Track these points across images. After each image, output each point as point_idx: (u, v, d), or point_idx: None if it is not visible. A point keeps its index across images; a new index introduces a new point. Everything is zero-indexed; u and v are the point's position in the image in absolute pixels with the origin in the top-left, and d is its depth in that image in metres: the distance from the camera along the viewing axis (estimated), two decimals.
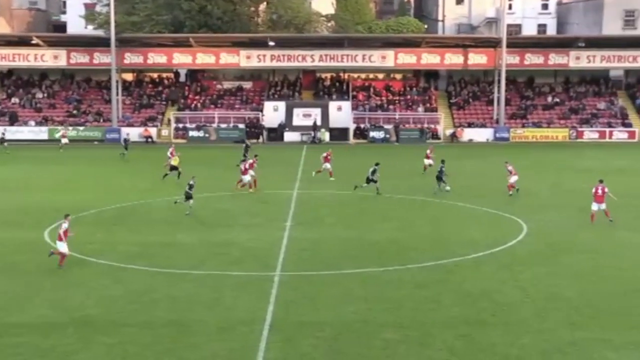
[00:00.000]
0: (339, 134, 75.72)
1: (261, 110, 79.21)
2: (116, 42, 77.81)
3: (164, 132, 78.64)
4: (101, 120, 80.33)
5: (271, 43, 79.63)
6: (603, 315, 24.97)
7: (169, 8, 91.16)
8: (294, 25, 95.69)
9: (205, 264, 31.02)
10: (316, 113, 76.69)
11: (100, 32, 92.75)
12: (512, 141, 74.18)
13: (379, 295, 26.93)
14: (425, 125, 76.45)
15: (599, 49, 79.44)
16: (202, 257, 32.00)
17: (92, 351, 21.57)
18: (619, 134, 74.94)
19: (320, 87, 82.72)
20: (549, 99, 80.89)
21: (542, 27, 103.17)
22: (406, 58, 79.48)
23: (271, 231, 36.38)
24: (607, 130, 75.27)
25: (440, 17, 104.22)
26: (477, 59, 79.39)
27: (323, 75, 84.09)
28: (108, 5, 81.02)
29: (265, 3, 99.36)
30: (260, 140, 76.06)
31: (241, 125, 77.39)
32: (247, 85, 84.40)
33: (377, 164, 44.99)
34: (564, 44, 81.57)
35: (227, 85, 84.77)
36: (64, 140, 69.93)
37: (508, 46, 76.27)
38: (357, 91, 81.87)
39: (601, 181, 38.89)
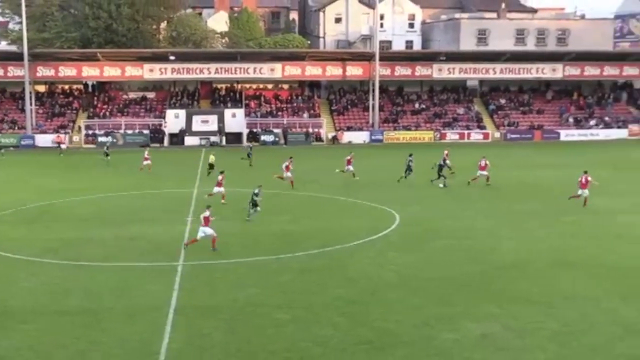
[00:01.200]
0: (233, 138, 75.43)
1: (164, 118, 78.34)
2: (29, 57, 75.74)
3: (75, 138, 76.95)
4: (16, 128, 78.07)
5: (172, 57, 78.87)
6: (466, 292, 25.52)
7: (77, 26, 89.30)
8: (192, 41, 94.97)
9: (115, 256, 30.50)
10: (213, 119, 76.31)
11: (13, 48, 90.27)
12: (386, 142, 75.09)
13: (270, 281, 26.92)
14: (310, 129, 76.71)
15: (457, 62, 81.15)
16: (112, 250, 31.45)
17: (11, 338, 20.98)
18: (476, 135, 76.65)
19: (217, 97, 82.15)
20: (416, 105, 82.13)
21: (409, 43, 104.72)
22: (292, 70, 79.62)
23: (174, 226, 35.96)
24: (466, 132, 76.91)
25: (321, 34, 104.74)
26: (354, 70, 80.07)
27: (219, 86, 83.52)
28: (20, 22, 78.86)
29: (166, 21, 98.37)
30: (164, 144, 75.21)
31: (146, 131, 76.37)
32: (151, 95, 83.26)
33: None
34: (428, 57, 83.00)
35: (132, 95, 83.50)
36: None
37: (380, 59, 77.16)
38: (250, 100, 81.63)
39: (585, 172, 40.54)
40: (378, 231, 34.50)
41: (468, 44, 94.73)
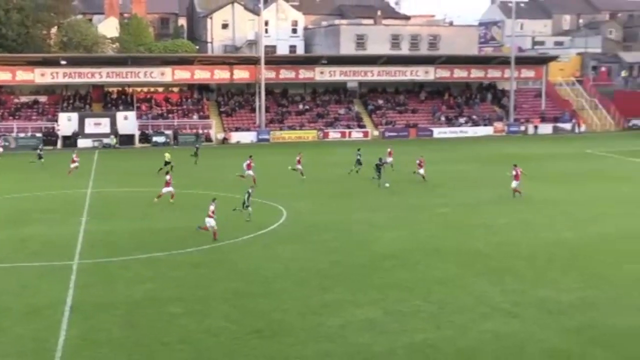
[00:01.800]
0: (126, 140, 73.96)
1: (56, 121, 76.02)
2: None
3: None
4: None
5: (63, 62, 76.63)
6: (349, 281, 25.94)
7: None
8: (83, 47, 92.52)
9: (10, 257, 29.53)
10: (106, 122, 74.69)
11: None
12: (272, 141, 75.20)
13: (165, 276, 26.70)
14: (200, 131, 76.04)
15: (338, 65, 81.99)
16: (7, 252, 30.42)
17: None
18: (356, 134, 77.62)
19: (109, 100, 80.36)
20: (300, 106, 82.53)
21: (292, 48, 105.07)
22: (182, 74, 78.70)
23: (69, 226, 35.10)
24: (347, 131, 77.81)
25: (209, 40, 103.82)
26: (241, 74, 79.77)
27: (110, 89, 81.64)
28: None
29: (56, 27, 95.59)
30: (57, 147, 73.05)
31: (39, 134, 73.96)
32: (43, 99, 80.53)
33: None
34: (310, 61, 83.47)
35: (23, 99, 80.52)
36: None
37: (266, 63, 77.20)
38: (141, 103, 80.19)
39: (515, 165, 42.18)
40: (266, 226, 34.62)
41: (347, 48, 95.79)
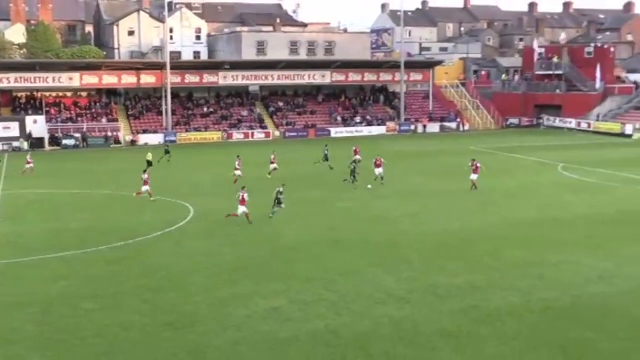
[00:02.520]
0: (37, 143, 71.65)
1: None
2: None
3: None
4: None
5: None
6: (255, 273, 25.98)
7: None
8: None
9: None
10: (15, 126, 72.08)
11: None
12: (179, 143, 74.19)
13: (79, 274, 26.10)
14: (109, 133, 74.40)
15: (240, 70, 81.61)
16: None
17: None
18: (259, 135, 77.49)
19: (17, 104, 77.66)
20: (205, 109, 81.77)
21: (197, 54, 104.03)
22: (90, 79, 76.71)
23: None
24: (250, 132, 77.57)
25: (116, 46, 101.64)
26: (148, 79, 78.41)
27: (19, 94, 78.92)
28: None
29: None
30: None
31: None
32: None
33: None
34: (214, 66, 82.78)
35: None
36: None
37: (172, 69, 76.17)
38: (50, 107, 77.78)
39: (474, 159, 43.42)
40: (175, 223, 34.23)
41: (249, 54, 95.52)
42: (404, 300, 22.93)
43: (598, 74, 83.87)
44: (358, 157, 51.13)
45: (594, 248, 29.30)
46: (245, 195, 33.95)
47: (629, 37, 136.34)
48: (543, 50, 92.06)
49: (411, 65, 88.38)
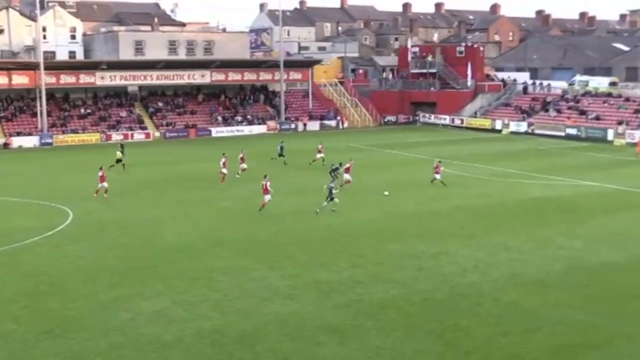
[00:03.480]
0: None
1: None
2: None
3: None
4: None
5: None
6: (137, 275, 25.45)
7: None
8: None
9: None
10: None
11: None
12: (56, 145, 71.65)
13: None
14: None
15: (118, 70, 79.61)
16: None
17: None
18: (138, 135, 75.82)
19: None
20: (82, 110, 79.30)
21: (72, 53, 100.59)
22: None
23: None
24: (129, 133, 75.85)
25: None
26: (20, 79, 75.18)
27: None
28: None
29: None
30: None
31: None
32: None
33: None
34: (91, 66, 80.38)
35: None
36: None
37: (46, 69, 73.31)
38: None
39: (439, 161, 45.18)
40: (53, 227, 33.04)
41: (127, 53, 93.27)
42: (288, 297, 23.05)
43: (469, 72, 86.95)
44: (321, 154, 52.55)
45: (469, 239, 30.40)
46: (268, 184, 35.96)
47: (496, 37, 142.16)
48: (417, 49, 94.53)
49: (290, 65, 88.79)
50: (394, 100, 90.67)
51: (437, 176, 43.41)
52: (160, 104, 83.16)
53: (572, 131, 71.96)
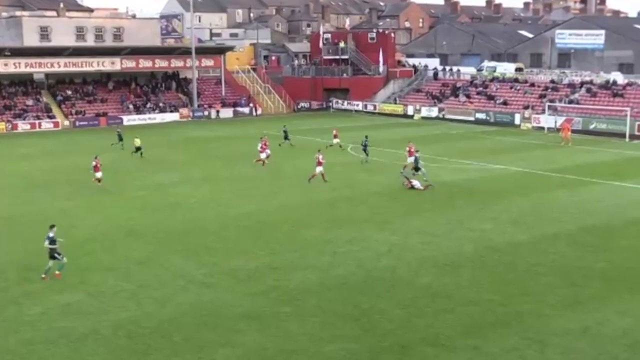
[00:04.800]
0: None
1: None
2: None
3: None
4: None
5: None
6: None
7: None
8: None
9: None
10: None
11: None
12: None
13: None
14: None
15: (23, 57, 77.07)
16: None
17: None
18: (47, 124, 73.63)
19: None
20: None
21: None
22: None
23: None
24: (37, 122, 73.63)
25: None
26: None
27: None
28: None
29: None
30: None
31: None
32: None
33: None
34: None
35: None
36: None
37: None
38: None
39: (410, 142, 44.42)
40: None
41: (31, 40, 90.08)
42: (205, 285, 22.98)
43: (381, 58, 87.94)
44: (337, 140, 53.18)
45: (383, 223, 30.92)
46: (321, 157, 39.45)
47: (407, 24, 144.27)
48: (329, 35, 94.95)
49: (202, 51, 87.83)
50: (306, 86, 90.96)
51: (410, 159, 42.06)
52: (69, 92, 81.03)
53: (481, 116, 73.89)
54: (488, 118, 73.20)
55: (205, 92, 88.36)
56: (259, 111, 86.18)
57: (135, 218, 32.54)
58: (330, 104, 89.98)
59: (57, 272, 23.74)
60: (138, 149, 49.96)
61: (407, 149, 43.58)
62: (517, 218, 31.81)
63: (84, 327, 19.63)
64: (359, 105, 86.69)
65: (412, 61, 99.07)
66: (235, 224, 31.10)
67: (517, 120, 70.50)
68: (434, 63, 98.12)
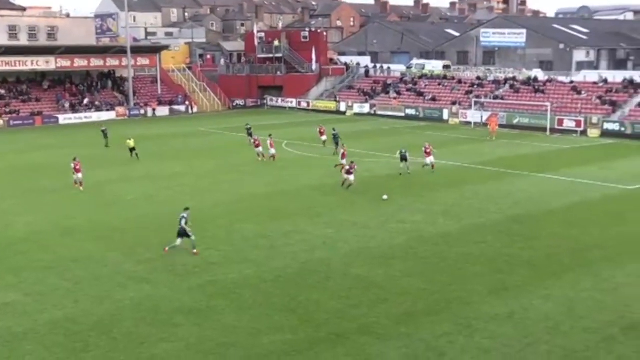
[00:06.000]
0: None
1: None
2: None
3: None
4: None
5: None
6: None
7: None
8: None
9: None
10: None
11: None
12: None
13: None
14: None
15: None
16: None
17: None
18: None
19: None
20: None
21: None
22: None
23: None
24: None
25: None
26: None
27: None
28: None
29: None
30: None
31: None
32: None
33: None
34: None
35: None
36: None
37: None
38: None
39: (428, 143, 43.27)
40: None
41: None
42: (143, 281, 22.64)
43: (314, 57, 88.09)
44: (324, 137, 51.94)
45: (317, 217, 30.97)
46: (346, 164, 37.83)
47: (339, 23, 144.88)
48: (263, 34, 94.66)
49: (138, 50, 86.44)
50: (241, 84, 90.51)
51: (428, 160, 41.60)
52: (3, 91, 78.77)
53: (412, 112, 74.74)
54: (418, 114, 74.10)
55: (142, 90, 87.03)
56: (195, 109, 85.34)
57: (72, 216, 31.82)
58: (265, 101, 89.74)
59: (194, 251, 25.43)
60: (132, 150, 47.64)
61: (424, 149, 42.21)
62: (448, 210, 32.28)
63: (21, 327, 19.10)
64: (293, 102, 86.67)
65: (344, 59, 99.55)
66: (172, 221, 30.60)
67: (445, 116, 71.53)
68: (365, 61, 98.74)
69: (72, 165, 37.75)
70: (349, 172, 36.41)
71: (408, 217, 30.92)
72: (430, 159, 41.71)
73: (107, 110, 79.71)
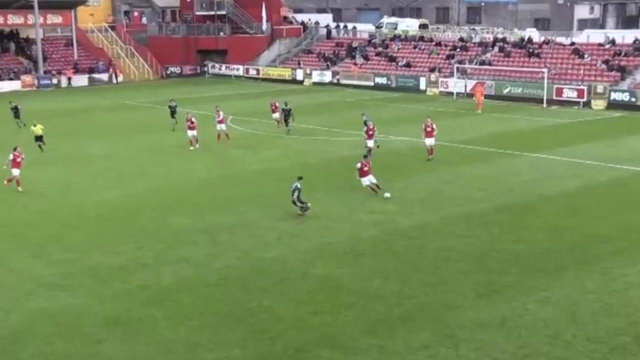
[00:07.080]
0: None
1: None
2: None
3: None
4: None
5: None
6: None
7: None
8: None
9: None
10: None
11: None
12: None
13: None
14: None
15: None
16: None
17: None
18: None
19: None
20: None
21: None
22: None
23: None
24: None
25: None
26: None
27: None
28: None
29: None
30: None
31: None
32: None
33: None
34: None
35: None
36: None
37: None
38: None
39: (429, 117, 41.27)
40: None
41: None
42: (58, 288, 22.36)
43: (264, 14, 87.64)
44: (276, 114, 50.85)
45: (269, 207, 30.89)
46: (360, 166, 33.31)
47: None
48: None
49: (47, 5, 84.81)
50: (177, 48, 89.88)
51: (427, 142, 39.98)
52: None
53: (382, 80, 74.95)
54: (389, 83, 74.37)
55: (53, 55, 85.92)
56: (120, 78, 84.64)
57: None
58: (206, 68, 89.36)
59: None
60: (39, 138, 43.98)
61: (424, 126, 40.13)
62: (425, 197, 32.46)
63: None
64: (239, 69, 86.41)
65: (300, 17, 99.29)
66: (93, 213, 30.41)
67: (422, 85, 71.90)
68: (326, 19, 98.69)
69: (10, 157, 36.35)
70: (364, 174, 32.65)
71: (378, 206, 31.02)
72: (430, 141, 39.86)
73: (10, 79, 78.55)
